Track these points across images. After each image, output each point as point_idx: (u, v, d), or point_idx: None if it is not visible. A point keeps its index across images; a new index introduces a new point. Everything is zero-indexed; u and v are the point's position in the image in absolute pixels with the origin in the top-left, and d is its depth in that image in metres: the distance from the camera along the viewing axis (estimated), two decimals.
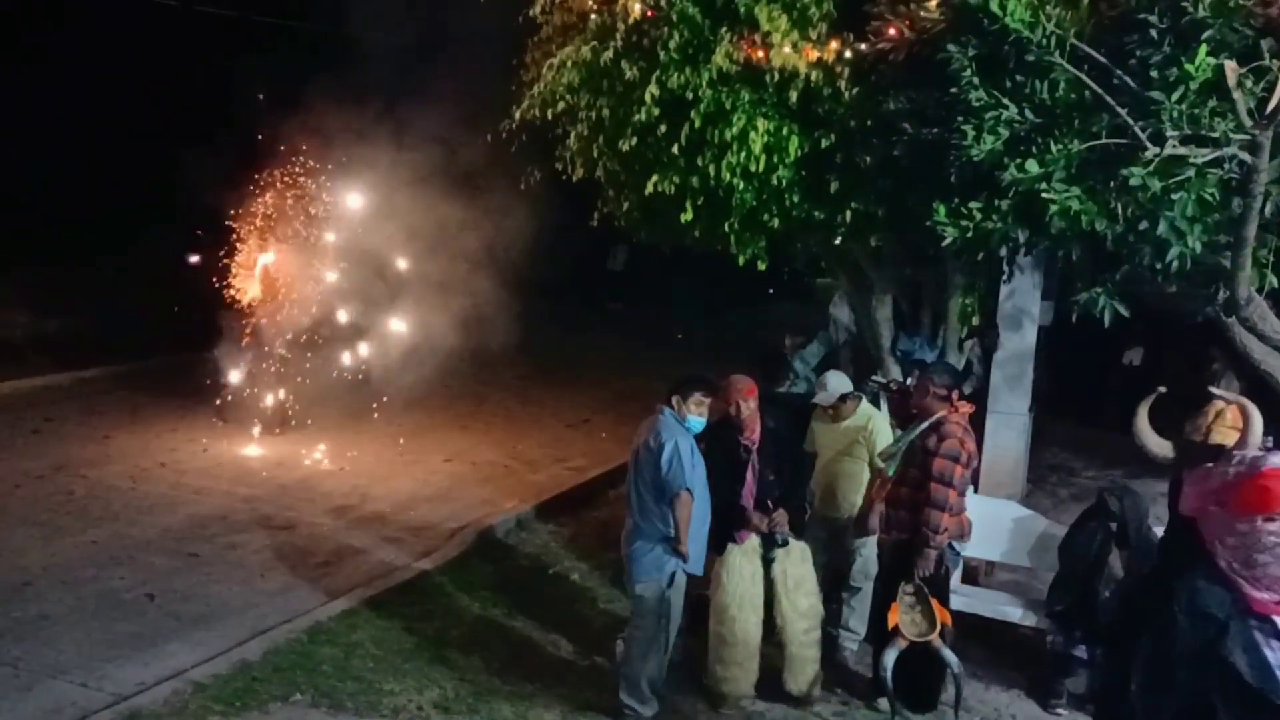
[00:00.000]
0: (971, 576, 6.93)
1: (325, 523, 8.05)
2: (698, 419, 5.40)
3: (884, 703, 5.49)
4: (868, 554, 6.03)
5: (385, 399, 11.91)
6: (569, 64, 6.52)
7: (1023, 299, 7.39)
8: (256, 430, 10.36)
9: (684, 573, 5.39)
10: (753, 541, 5.56)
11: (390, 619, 6.33)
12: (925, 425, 5.39)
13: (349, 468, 9.55)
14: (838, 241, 6.54)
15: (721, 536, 5.57)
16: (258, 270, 10.62)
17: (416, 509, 8.50)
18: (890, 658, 5.32)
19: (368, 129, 10.58)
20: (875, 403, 6.57)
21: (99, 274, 14.90)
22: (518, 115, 6.98)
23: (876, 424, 6.10)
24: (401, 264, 11.02)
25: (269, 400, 10.56)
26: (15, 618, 6.13)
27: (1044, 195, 4.93)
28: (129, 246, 14.61)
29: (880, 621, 5.59)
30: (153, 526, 7.74)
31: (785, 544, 5.55)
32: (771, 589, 5.53)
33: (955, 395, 5.47)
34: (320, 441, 10.23)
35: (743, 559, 5.53)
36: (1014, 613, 6.22)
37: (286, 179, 10.74)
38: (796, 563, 5.58)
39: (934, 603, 5.33)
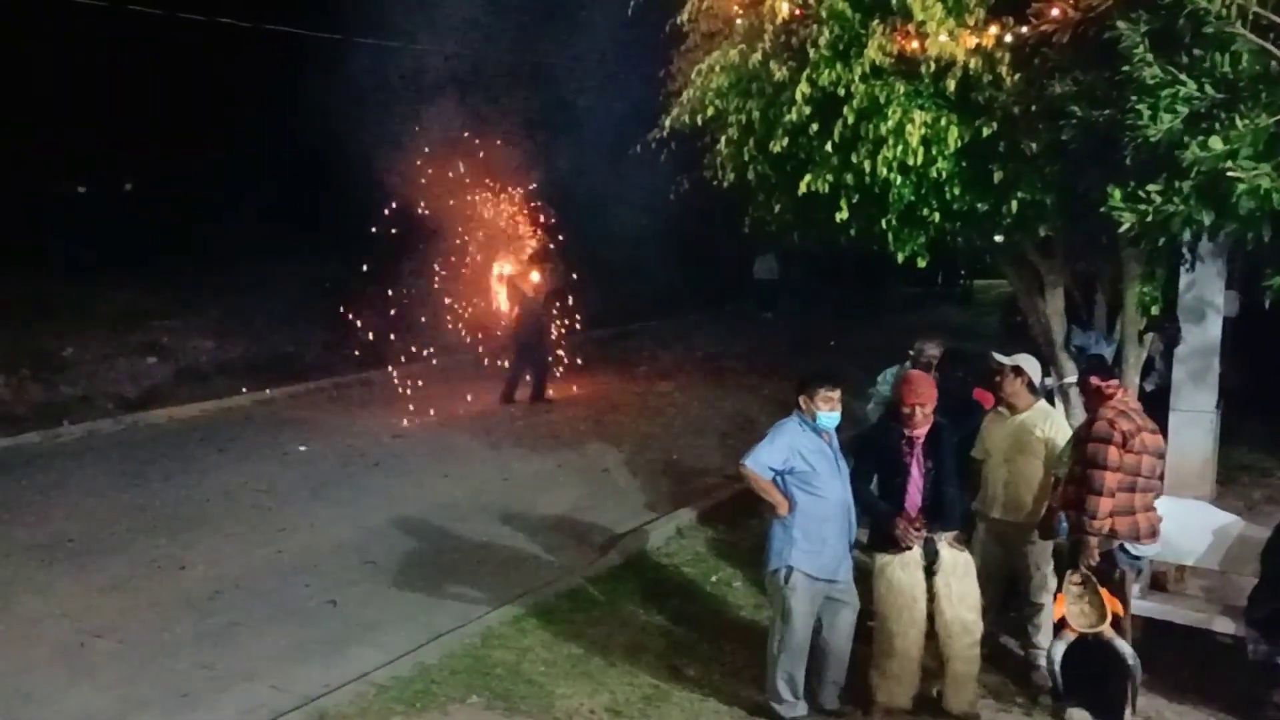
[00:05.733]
0: (1159, 583, 6.54)
1: (493, 531, 8.25)
2: (828, 415, 5.23)
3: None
4: (1046, 569, 5.75)
5: (536, 423, 12.21)
6: (717, 69, 6.54)
7: (1205, 289, 6.97)
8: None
9: (803, 575, 5.15)
10: (914, 553, 5.30)
11: (558, 624, 6.42)
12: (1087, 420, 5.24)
13: (512, 478, 9.77)
14: (999, 237, 6.33)
15: (880, 538, 5.41)
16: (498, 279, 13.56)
17: (578, 516, 8.62)
18: (1058, 650, 5.16)
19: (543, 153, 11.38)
20: (1050, 401, 6.28)
21: (272, 299, 15.90)
22: (667, 124, 7.03)
23: (1056, 420, 5.81)
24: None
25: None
26: (210, 624, 6.49)
27: (1230, 174, 4.66)
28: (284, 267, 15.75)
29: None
30: (333, 537, 8.08)
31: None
32: (934, 601, 5.30)
33: (1099, 379, 5.25)
34: (480, 458, 10.53)
35: (901, 572, 5.28)
36: (1209, 620, 5.84)
37: (487, 196, 12.03)
38: (961, 575, 5.33)
39: (1104, 593, 5.06)
